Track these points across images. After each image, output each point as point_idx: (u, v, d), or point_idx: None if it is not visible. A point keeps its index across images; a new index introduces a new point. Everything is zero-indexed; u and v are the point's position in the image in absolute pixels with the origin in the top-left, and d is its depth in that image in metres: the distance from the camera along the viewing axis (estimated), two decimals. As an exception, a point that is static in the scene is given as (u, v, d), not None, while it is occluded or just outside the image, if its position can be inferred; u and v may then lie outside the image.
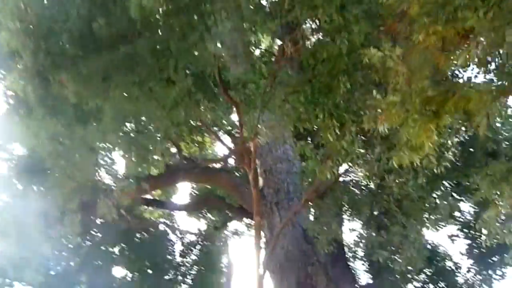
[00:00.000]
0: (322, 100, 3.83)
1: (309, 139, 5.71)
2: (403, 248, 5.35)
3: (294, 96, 3.96)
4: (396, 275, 7.79)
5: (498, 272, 7.67)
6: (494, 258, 7.82)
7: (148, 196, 11.39)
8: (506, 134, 7.00)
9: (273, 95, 4.43)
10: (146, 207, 11.29)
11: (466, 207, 8.27)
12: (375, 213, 5.53)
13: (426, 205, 5.19)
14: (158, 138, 6.54)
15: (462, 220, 8.34)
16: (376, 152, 4.01)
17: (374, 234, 5.45)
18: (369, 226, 5.53)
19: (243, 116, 5.07)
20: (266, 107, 5.04)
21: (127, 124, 5.64)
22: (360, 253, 9.11)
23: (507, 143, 6.70)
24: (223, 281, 10.43)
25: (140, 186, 6.67)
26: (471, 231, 8.22)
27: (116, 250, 11.97)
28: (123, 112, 3.89)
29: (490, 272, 7.72)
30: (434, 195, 5.33)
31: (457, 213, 8.26)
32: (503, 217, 3.72)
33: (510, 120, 7.39)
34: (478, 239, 8.17)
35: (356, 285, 8.36)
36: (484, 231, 3.92)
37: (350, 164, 4.10)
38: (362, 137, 3.99)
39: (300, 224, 7.07)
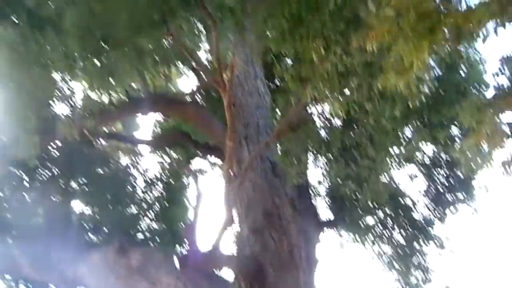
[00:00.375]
0: (308, 18, 3.58)
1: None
2: (370, 180, 5.43)
3: (278, 12, 3.67)
4: (358, 211, 8.09)
5: (452, 209, 8.12)
6: (448, 197, 8.25)
7: (109, 130, 10.99)
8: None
9: (253, 14, 4.11)
10: (107, 141, 10.88)
11: (427, 148, 8.58)
12: (346, 146, 5.53)
13: (398, 138, 5.23)
14: (124, 62, 6.11)
15: (422, 161, 8.66)
16: (358, 77, 3.87)
17: (343, 166, 5.47)
18: (339, 159, 5.54)
19: (218, 40, 4.74)
20: (242, 29, 4.73)
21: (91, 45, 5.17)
22: (323, 191, 9.33)
23: (477, 84, 6.86)
24: (189, 215, 10.45)
25: (102, 110, 6.27)
26: (429, 171, 8.58)
27: (74, 184, 11.63)
28: (86, 16, 3.47)
29: (444, 209, 8.16)
30: (407, 129, 5.39)
31: (418, 154, 8.57)
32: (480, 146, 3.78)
33: (479, 64, 7.57)
34: (436, 179, 8.57)
35: (318, 220, 8.65)
36: (461, 160, 3.98)
37: (331, 88, 3.95)
38: (346, 61, 3.81)
39: (269, 158, 7.04)
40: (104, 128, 10.25)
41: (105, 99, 9.09)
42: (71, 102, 8.31)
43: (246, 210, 6.44)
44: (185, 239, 8.07)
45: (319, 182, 9.33)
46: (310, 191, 9.09)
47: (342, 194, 7.98)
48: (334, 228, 9.05)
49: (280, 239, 5.91)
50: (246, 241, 5.95)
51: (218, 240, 5.21)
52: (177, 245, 10.32)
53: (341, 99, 4.27)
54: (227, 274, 8.34)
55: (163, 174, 12.20)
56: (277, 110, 8.67)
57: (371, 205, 7.70)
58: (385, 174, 5.70)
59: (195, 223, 5.61)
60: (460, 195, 8.17)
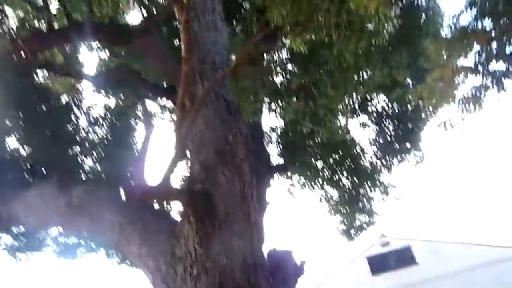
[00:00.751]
0: None
1: None
2: (327, 119, 5.34)
3: None
4: (309, 155, 8.12)
5: (399, 158, 8.38)
6: (396, 146, 8.48)
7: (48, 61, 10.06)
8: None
9: None
10: (46, 72, 9.97)
11: (380, 98, 8.68)
12: (306, 83, 5.35)
13: (358, 76, 5.12)
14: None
15: (374, 110, 8.78)
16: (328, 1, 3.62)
17: (302, 104, 5.32)
18: (298, 97, 5.37)
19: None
20: None
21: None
22: (274, 137, 9.28)
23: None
24: (136, 155, 9.99)
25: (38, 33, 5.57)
26: (380, 121, 8.73)
27: (9, 119, 10.68)
28: None
29: (392, 158, 8.39)
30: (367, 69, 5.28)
31: (371, 103, 8.66)
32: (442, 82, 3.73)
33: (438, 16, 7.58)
34: (385, 129, 8.76)
35: (270, 164, 8.62)
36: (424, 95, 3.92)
37: (298, 11, 3.67)
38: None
39: (224, 96, 6.75)
40: (43, 58, 9.38)
41: (43, 25, 8.21)
42: (4, 27, 7.39)
43: (198, 146, 6.17)
44: (131, 171, 7.66)
45: (272, 129, 9.26)
46: (263, 137, 8.99)
47: (295, 138, 7.94)
48: (285, 173, 9.11)
49: (232, 177, 5.74)
50: (197, 178, 5.74)
51: (168, 174, 4.93)
52: (122, 187, 9.91)
53: (307, 26, 4.00)
54: (175, 212, 8.18)
55: (108, 114, 11.51)
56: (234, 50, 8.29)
57: (323, 149, 7.74)
58: (345, 112, 5.63)
59: (144, 156, 5.27)
60: (407, 145, 8.42)
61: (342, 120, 6.94)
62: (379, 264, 20.32)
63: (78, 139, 11.09)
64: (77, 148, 11.03)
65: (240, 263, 4.92)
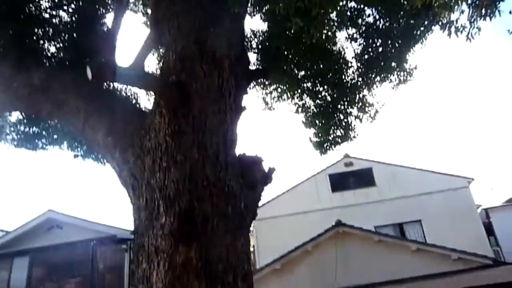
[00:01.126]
0: None
1: None
2: (320, 16, 4.89)
3: None
4: (291, 63, 7.74)
5: (382, 76, 8.14)
6: (381, 63, 8.18)
7: None
8: None
9: None
10: None
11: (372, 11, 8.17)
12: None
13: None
14: None
15: (363, 23, 8.31)
16: None
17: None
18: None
19: None
20: None
21: None
22: (254, 44, 8.75)
23: None
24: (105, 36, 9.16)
25: None
26: (368, 35, 8.30)
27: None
28: None
29: (375, 75, 8.14)
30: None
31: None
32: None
33: None
34: (373, 45, 8.37)
35: (249, 69, 8.20)
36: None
37: None
38: None
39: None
40: None
41: None
42: None
43: (175, 35, 5.62)
44: (100, 51, 6.97)
45: (253, 33, 8.68)
46: (243, 40, 8.44)
47: (278, 43, 7.47)
48: (262, 80, 8.76)
49: (211, 71, 5.34)
50: (173, 69, 5.29)
51: (141, 57, 4.47)
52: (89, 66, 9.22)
53: None
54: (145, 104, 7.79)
55: (74, -2, 10.38)
56: None
57: (306, 58, 7.38)
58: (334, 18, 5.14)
59: (113, 36, 4.71)
60: (392, 64, 8.14)
61: (332, 26, 6.49)
62: (340, 182, 21.21)
63: (39, 21, 10.06)
64: (39, 31, 10.06)
65: (212, 159, 4.72)
